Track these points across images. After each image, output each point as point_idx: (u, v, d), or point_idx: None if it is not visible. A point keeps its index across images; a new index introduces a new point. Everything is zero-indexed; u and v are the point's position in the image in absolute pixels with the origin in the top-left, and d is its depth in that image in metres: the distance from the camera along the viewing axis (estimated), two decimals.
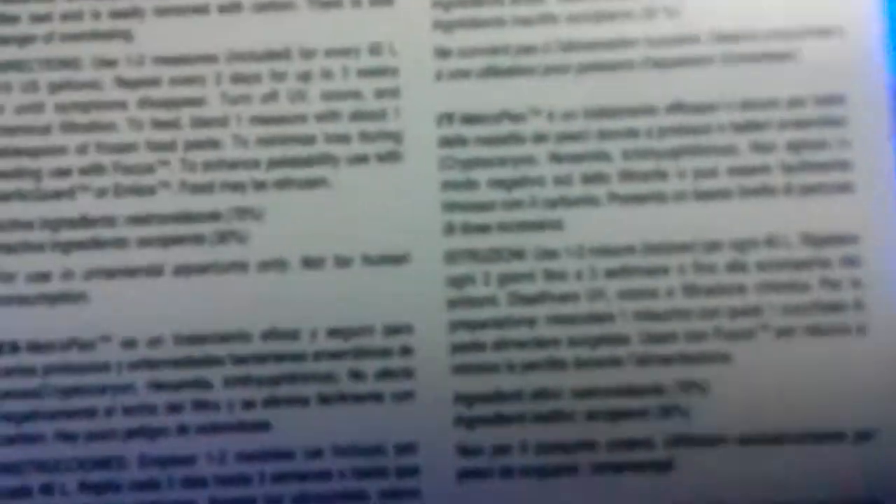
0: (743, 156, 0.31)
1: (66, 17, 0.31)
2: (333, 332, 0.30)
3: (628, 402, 0.30)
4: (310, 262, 0.30)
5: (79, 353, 0.30)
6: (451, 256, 0.31)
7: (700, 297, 0.31)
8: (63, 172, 0.31)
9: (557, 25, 0.31)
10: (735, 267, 0.31)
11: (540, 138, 0.31)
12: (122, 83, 0.31)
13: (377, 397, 0.30)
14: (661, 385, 0.30)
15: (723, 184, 0.31)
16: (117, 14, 0.31)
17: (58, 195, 0.31)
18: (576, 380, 0.30)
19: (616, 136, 0.31)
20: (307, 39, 0.31)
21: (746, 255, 0.31)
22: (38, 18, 0.31)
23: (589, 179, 0.31)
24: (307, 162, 0.31)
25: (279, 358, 0.30)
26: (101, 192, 0.31)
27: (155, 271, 0.30)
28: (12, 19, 0.31)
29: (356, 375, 0.30)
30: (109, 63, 0.31)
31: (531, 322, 0.30)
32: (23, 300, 0.30)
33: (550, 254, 0.31)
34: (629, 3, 0.31)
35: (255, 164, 0.31)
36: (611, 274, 0.31)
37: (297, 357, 0.30)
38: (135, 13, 0.31)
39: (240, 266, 0.30)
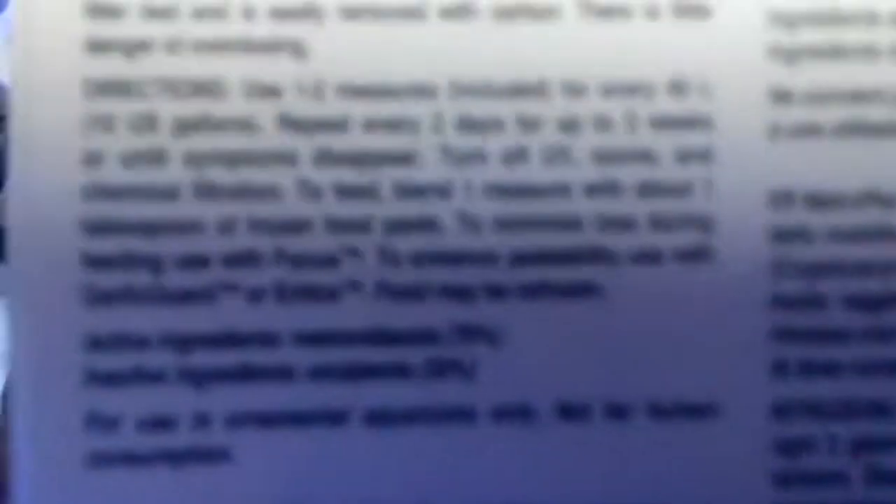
0: None
1: (200, 13, 0.20)
2: None
3: None
4: (570, 411, 0.20)
5: None
6: (781, 410, 0.20)
7: None
8: (196, 262, 0.20)
9: None
10: None
11: None
12: (289, 124, 0.20)
13: None
14: None
15: None
16: (282, 14, 0.20)
17: (187, 297, 0.20)
18: None
19: None
20: (573, 67, 0.20)
21: None
22: (157, 13, 0.20)
23: None
24: (570, 258, 0.20)
25: None
26: (256, 295, 0.20)
27: (335, 418, 0.20)
28: (114, 12, 0.20)
29: None
30: (269, 91, 0.20)
31: None
32: (133, 459, 0.20)
33: None
34: None
35: (490, 258, 0.20)
36: None
37: None
38: (310, 14, 0.20)
39: (464, 414, 0.20)
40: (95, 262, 0.20)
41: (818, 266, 0.20)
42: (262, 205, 0.20)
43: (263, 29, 0.20)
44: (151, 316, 0.20)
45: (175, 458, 0.20)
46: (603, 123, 0.20)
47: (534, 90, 0.20)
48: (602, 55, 0.20)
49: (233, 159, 0.20)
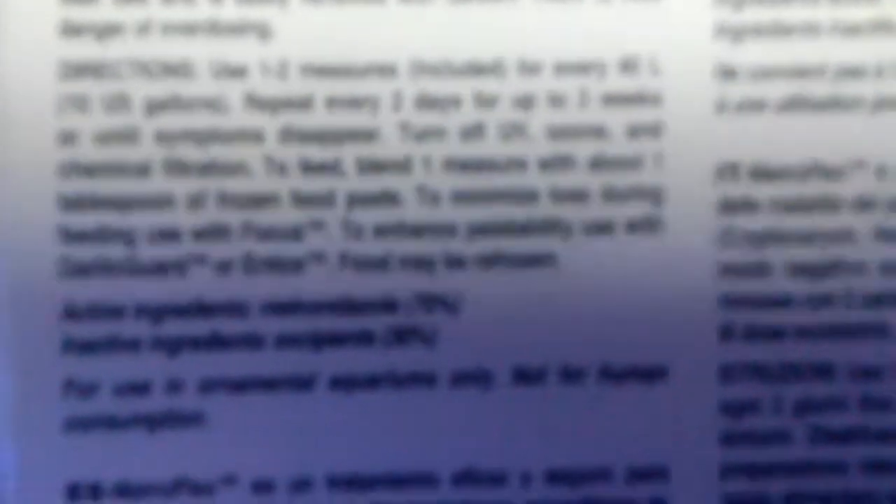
0: None
1: None
2: (554, 477, 0.21)
3: None
4: (524, 376, 0.21)
5: (190, 498, 0.21)
6: (728, 373, 0.21)
7: None
8: (168, 235, 0.21)
9: None
10: None
11: (863, 205, 0.21)
12: (255, 103, 0.21)
13: None
14: None
15: None
16: None
17: (159, 269, 0.21)
18: None
19: None
20: (528, 47, 0.21)
21: None
22: None
23: None
24: (526, 229, 0.21)
25: None
26: (224, 267, 0.21)
27: (301, 384, 0.21)
28: None
29: None
30: (236, 72, 0.21)
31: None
32: (110, 423, 0.21)
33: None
34: None
35: (448, 230, 0.21)
36: None
37: None
38: None
39: (424, 379, 0.21)
40: (71, 236, 0.21)
41: (763, 235, 0.21)
42: (230, 180, 0.21)
43: (230, 12, 0.21)
44: (125, 287, 0.21)
45: (150, 422, 0.21)
46: (557, 100, 0.21)
47: (490, 69, 0.21)
48: (555, 35, 0.21)
49: (202, 137, 0.21)
